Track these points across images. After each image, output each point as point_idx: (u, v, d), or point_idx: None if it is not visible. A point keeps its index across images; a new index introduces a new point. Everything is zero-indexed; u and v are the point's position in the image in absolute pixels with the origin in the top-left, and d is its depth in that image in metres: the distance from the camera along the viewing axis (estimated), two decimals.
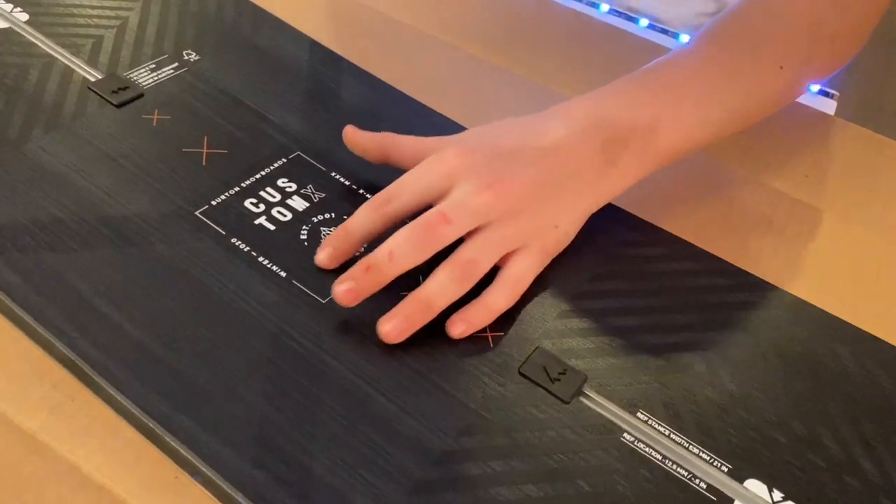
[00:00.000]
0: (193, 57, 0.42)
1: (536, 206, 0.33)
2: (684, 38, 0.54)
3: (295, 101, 0.41)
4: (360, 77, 0.44)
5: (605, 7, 0.55)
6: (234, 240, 0.33)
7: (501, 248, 0.33)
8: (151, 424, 0.27)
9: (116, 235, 0.33)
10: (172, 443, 0.27)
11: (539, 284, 0.34)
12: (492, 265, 0.32)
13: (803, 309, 0.35)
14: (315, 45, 0.45)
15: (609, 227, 0.37)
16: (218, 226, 0.34)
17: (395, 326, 0.30)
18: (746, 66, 0.39)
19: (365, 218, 0.33)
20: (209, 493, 0.26)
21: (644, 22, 0.55)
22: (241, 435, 0.27)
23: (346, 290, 0.30)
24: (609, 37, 0.51)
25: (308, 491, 0.26)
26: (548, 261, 0.34)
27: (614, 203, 0.37)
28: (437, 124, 0.42)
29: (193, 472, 0.26)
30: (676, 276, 0.36)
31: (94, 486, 0.26)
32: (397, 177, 0.34)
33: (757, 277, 0.37)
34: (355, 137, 0.37)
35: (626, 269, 0.36)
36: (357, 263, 0.31)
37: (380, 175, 0.36)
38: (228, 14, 0.46)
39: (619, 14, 0.55)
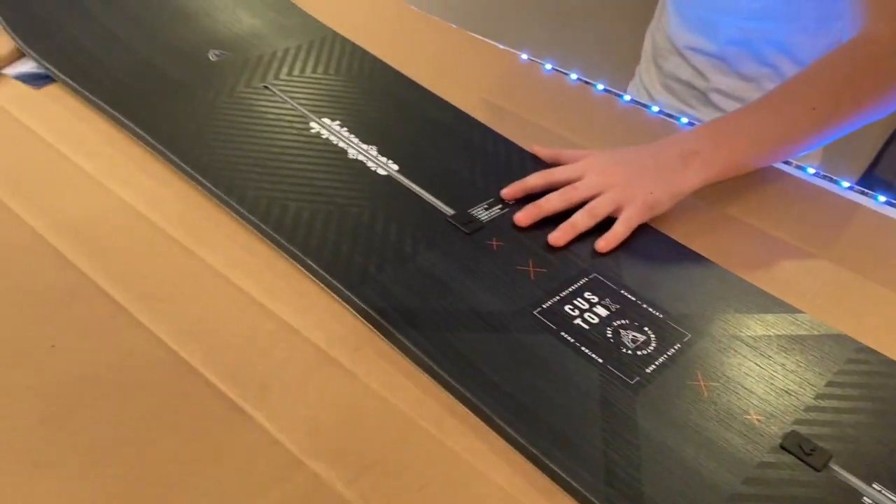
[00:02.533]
0: (510, 201, 0.59)
1: (634, 181, 0.57)
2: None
3: (591, 234, 0.56)
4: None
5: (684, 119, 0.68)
6: (563, 333, 0.48)
7: (613, 204, 0.56)
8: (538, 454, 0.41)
9: (486, 322, 0.48)
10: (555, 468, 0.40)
11: (789, 379, 0.46)
12: (608, 212, 0.56)
13: None
14: None
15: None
16: (551, 322, 0.48)
17: (562, 231, 0.55)
18: (786, 106, 0.59)
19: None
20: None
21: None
22: (594, 464, 0.40)
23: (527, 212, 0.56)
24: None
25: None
26: (648, 213, 0.57)
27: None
28: None
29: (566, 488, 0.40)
30: None
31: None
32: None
33: None
34: (543, 152, 0.63)
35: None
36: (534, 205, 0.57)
37: (655, 290, 0.50)
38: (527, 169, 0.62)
39: None
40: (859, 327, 0.51)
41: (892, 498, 0.40)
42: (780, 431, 0.43)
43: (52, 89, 0.65)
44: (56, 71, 0.65)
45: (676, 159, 0.58)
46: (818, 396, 0.46)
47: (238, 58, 0.70)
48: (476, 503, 0.39)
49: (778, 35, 0.76)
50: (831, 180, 0.66)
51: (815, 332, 0.50)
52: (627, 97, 0.74)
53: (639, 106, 0.73)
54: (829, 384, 0.47)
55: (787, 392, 0.46)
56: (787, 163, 0.68)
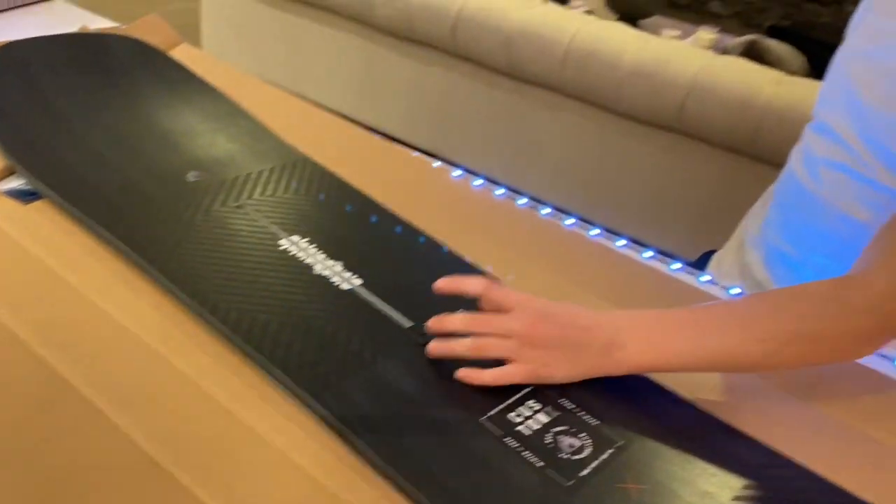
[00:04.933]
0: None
1: (542, 346, 0.56)
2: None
3: None
4: None
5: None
6: (507, 438, 0.53)
7: (505, 353, 0.56)
8: None
9: (439, 428, 0.52)
10: None
11: None
12: (494, 357, 0.56)
13: None
14: None
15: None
16: (497, 428, 0.53)
17: (440, 347, 0.57)
18: (734, 327, 0.57)
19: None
20: None
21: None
22: None
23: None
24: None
25: None
26: (529, 380, 0.56)
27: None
28: None
29: None
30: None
31: None
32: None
33: None
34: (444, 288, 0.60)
35: None
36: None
37: (591, 400, 0.55)
38: None
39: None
40: (770, 437, 0.56)
41: None
42: None
43: (39, 205, 0.70)
44: (43, 187, 0.70)
45: (601, 346, 0.57)
46: (735, 498, 0.51)
47: (215, 179, 0.76)
48: None
49: None
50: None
51: (730, 441, 0.55)
52: (595, 231, 0.81)
53: (580, 230, 0.81)
54: (745, 487, 0.52)
55: (707, 493, 0.50)
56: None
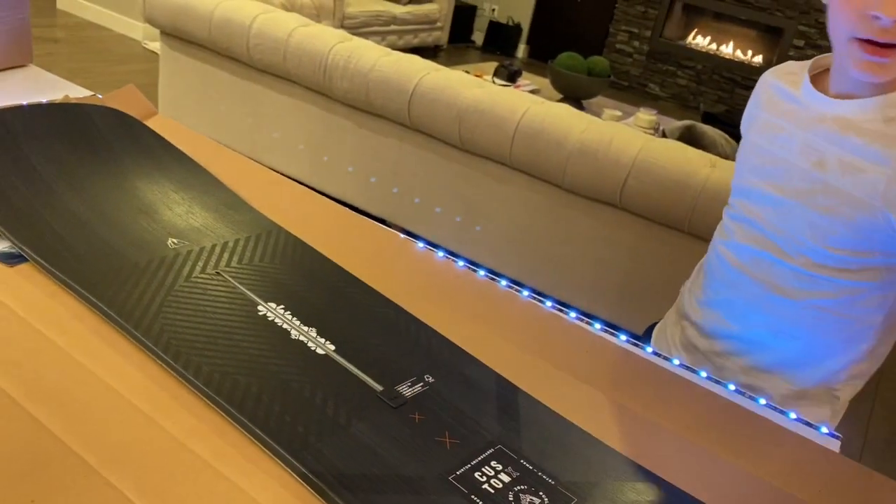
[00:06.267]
0: (430, 379, 0.69)
1: None
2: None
3: (496, 412, 0.67)
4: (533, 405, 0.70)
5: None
6: (473, 496, 0.57)
7: None
8: None
9: (409, 486, 0.57)
10: None
11: None
12: None
13: None
14: (500, 379, 0.72)
15: None
16: (463, 486, 0.58)
17: None
18: None
19: None
20: None
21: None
22: None
23: None
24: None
25: None
26: None
27: None
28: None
29: None
30: None
31: None
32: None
33: None
34: None
35: None
36: None
37: (549, 460, 0.60)
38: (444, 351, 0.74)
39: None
40: (717, 498, 0.62)
41: None
42: None
43: (24, 268, 0.73)
44: (28, 251, 0.73)
45: None
46: None
47: (194, 246, 0.80)
48: None
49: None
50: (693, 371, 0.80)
51: (677, 501, 0.61)
52: (549, 304, 0.88)
53: (536, 303, 0.87)
54: None
55: None
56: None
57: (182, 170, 0.93)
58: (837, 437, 0.75)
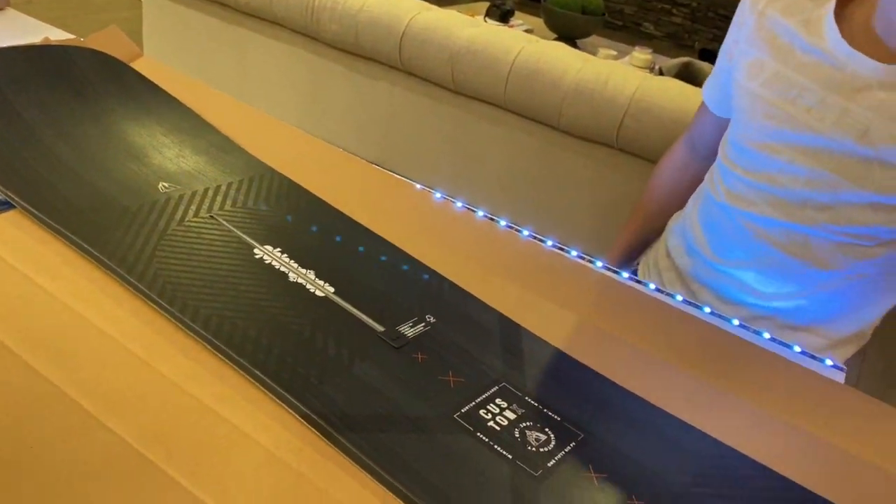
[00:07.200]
0: (431, 319, 0.68)
1: None
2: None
3: (499, 350, 0.66)
4: (536, 342, 0.69)
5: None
6: (478, 433, 0.56)
7: None
8: None
9: (414, 425, 0.56)
10: None
11: None
12: None
13: None
14: (503, 318, 0.71)
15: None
16: (468, 424, 0.57)
17: None
18: None
19: None
20: None
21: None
22: None
23: None
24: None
25: None
26: None
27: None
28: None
29: None
30: None
31: None
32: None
33: None
34: None
35: None
36: None
37: (554, 397, 0.59)
38: (447, 291, 0.72)
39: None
40: (720, 429, 0.62)
41: None
42: None
43: (12, 215, 0.71)
44: (16, 198, 0.71)
45: None
46: (685, 482, 0.56)
47: (186, 190, 0.78)
48: None
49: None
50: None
51: (680, 433, 0.61)
52: (549, 244, 0.86)
53: (535, 242, 0.85)
54: (694, 472, 0.57)
55: (660, 478, 0.55)
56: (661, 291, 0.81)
57: (171, 112, 0.90)
58: (842, 369, 0.74)
